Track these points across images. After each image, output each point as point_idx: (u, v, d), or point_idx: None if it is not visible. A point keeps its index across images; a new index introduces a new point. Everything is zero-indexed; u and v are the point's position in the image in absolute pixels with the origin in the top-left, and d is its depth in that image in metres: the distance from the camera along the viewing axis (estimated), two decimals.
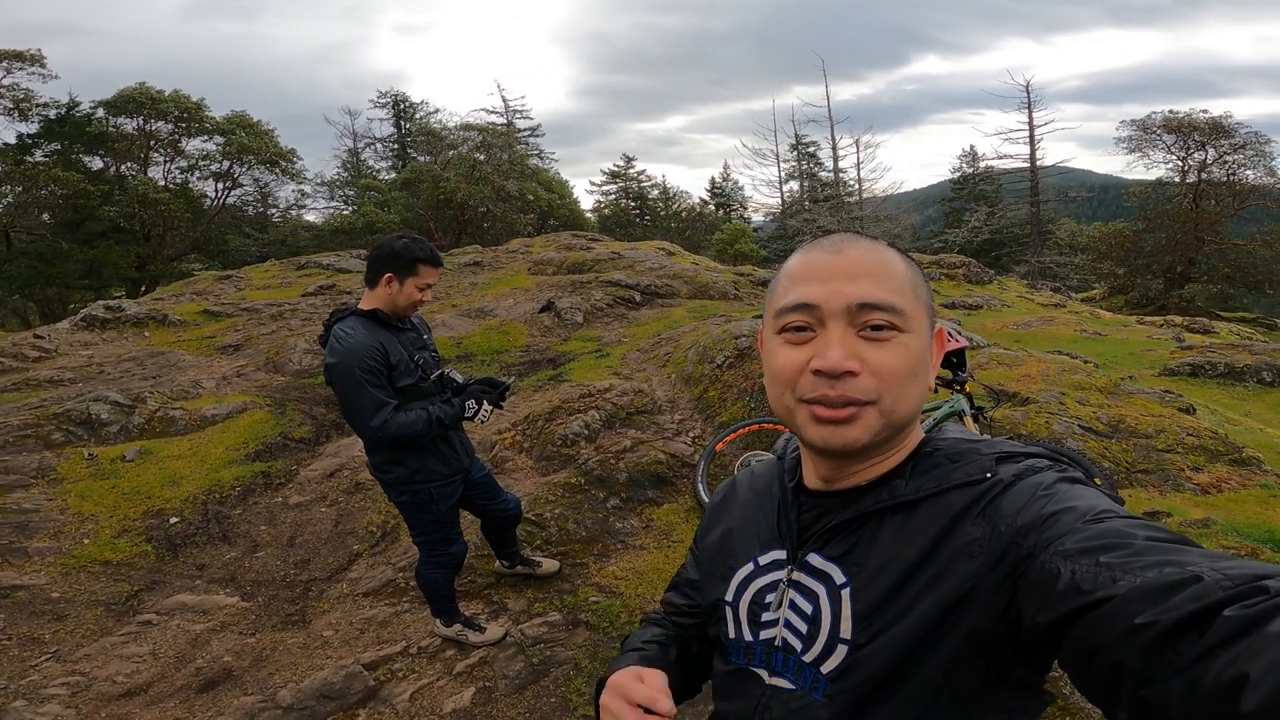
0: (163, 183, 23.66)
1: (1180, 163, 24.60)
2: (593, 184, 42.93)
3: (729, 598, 0.86)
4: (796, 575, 0.79)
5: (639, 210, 41.25)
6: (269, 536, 4.04)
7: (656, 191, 40.98)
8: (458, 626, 2.95)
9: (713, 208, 41.31)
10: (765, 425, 4.50)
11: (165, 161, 24.38)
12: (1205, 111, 23.83)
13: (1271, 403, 7.41)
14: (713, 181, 41.64)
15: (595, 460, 4.46)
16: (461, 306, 10.14)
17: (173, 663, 2.96)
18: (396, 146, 38.95)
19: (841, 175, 31.74)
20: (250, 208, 32.80)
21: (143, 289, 21.15)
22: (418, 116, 37.94)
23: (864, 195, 30.41)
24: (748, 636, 0.83)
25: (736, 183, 40.72)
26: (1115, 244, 25.38)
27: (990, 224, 28.36)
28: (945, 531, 0.70)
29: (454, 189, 26.70)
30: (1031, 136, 28.31)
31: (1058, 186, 29.85)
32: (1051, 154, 28.77)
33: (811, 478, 0.82)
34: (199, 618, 3.26)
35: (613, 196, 41.91)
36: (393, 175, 36.26)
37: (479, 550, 3.55)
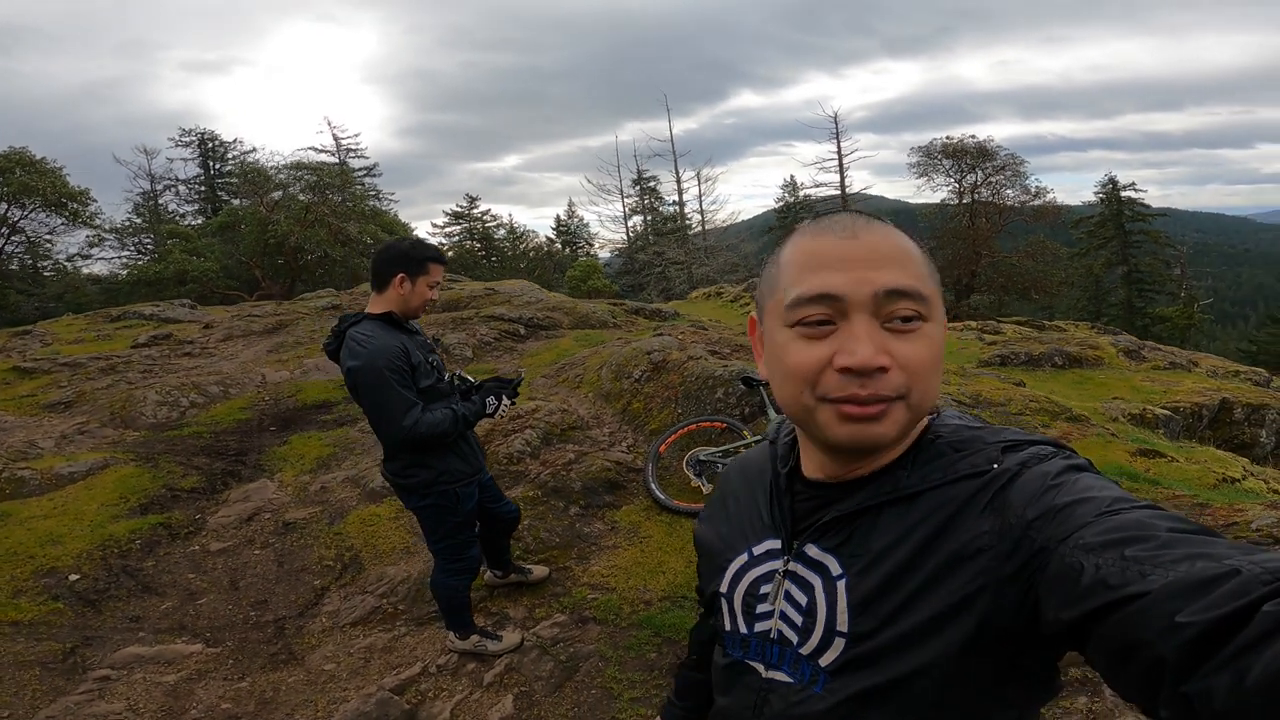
0: None
1: (957, 184, 28.92)
2: (434, 226, 41.73)
3: (724, 589, 0.84)
4: (792, 566, 0.77)
5: (485, 251, 40.76)
6: (204, 583, 3.65)
7: (503, 231, 40.79)
8: (475, 638, 2.89)
9: (559, 246, 41.83)
10: (702, 424, 4.82)
11: None
12: (974, 137, 28.30)
13: (1067, 381, 9.03)
14: (558, 219, 42.20)
15: (546, 474, 4.52)
16: None
17: (159, 716, 2.61)
18: (204, 189, 35.44)
19: (685, 208, 33.48)
20: (15, 260, 27.72)
21: None
22: (230, 156, 34.89)
23: (707, 226, 32.26)
24: (743, 629, 0.81)
25: (582, 219, 41.57)
26: None
27: None
28: (948, 524, 0.67)
29: (286, 232, 24.81)
30: (840, 165, 31.26)
31: (863, 212, 33.61)
32: (856, 182, 32.15)
33: (812, 469, 0.79)
34: (165, 668, 2.89)
35: (457, 238, 41.07)
36: (200, 220, 32.92)
37: None
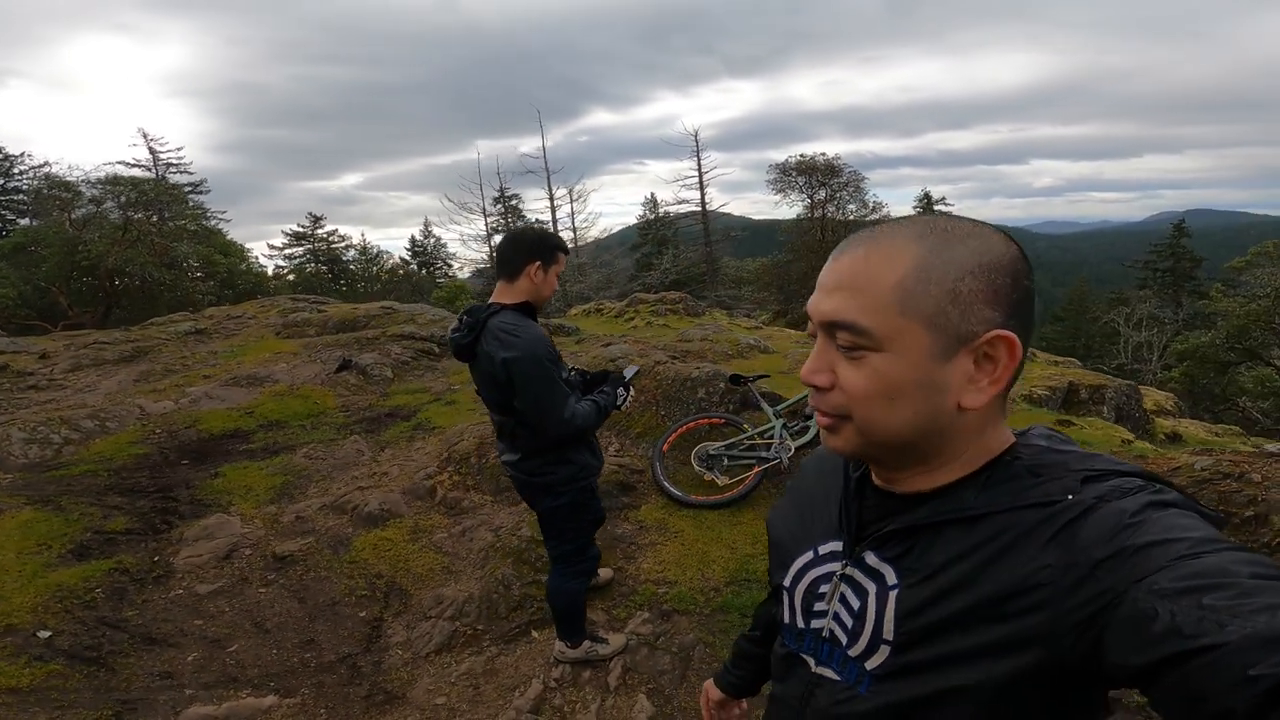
0: None
1: (809, 199, 31.21)
2: (272, 247, 38.31)
3: (787, 583, 0.87)
4: (850, 570, 0.78)
5: (332, 274, 38.04)
6: (221, 629, 3.16)
7: (354, 252, 38.30)
8: (586, 644, 2.79)
9: (415, 267, 40.00)
10: (700, 421, 4.96)
11: None
12: (824, 155, 30.77)
13: None
14: (413, 240, 40.38)
15: None
16: (220, 377, 8.54)
17: None
18: None
19: (557, 224, 32.83)
20: None
21: None
22: (17, 171, 29.86)
23: (580, 243, 32.04)
24: (800, 624, 0.83)
25: (440, 239, 40.01)
26: (772, 276, 31.15)
27: (677, 265, 31.98)
28: (1007, 550, 0.66)
29: (101, 254, 21.62)
30: (701, 182, 32.08)
31: (720, 228, 35.34)
32: (714, 200, 33.05)
33: (876, 476, 0.80)
34: None
35: (299, 260, 38.01)
36: None
37: (525, 579, 3.33)
